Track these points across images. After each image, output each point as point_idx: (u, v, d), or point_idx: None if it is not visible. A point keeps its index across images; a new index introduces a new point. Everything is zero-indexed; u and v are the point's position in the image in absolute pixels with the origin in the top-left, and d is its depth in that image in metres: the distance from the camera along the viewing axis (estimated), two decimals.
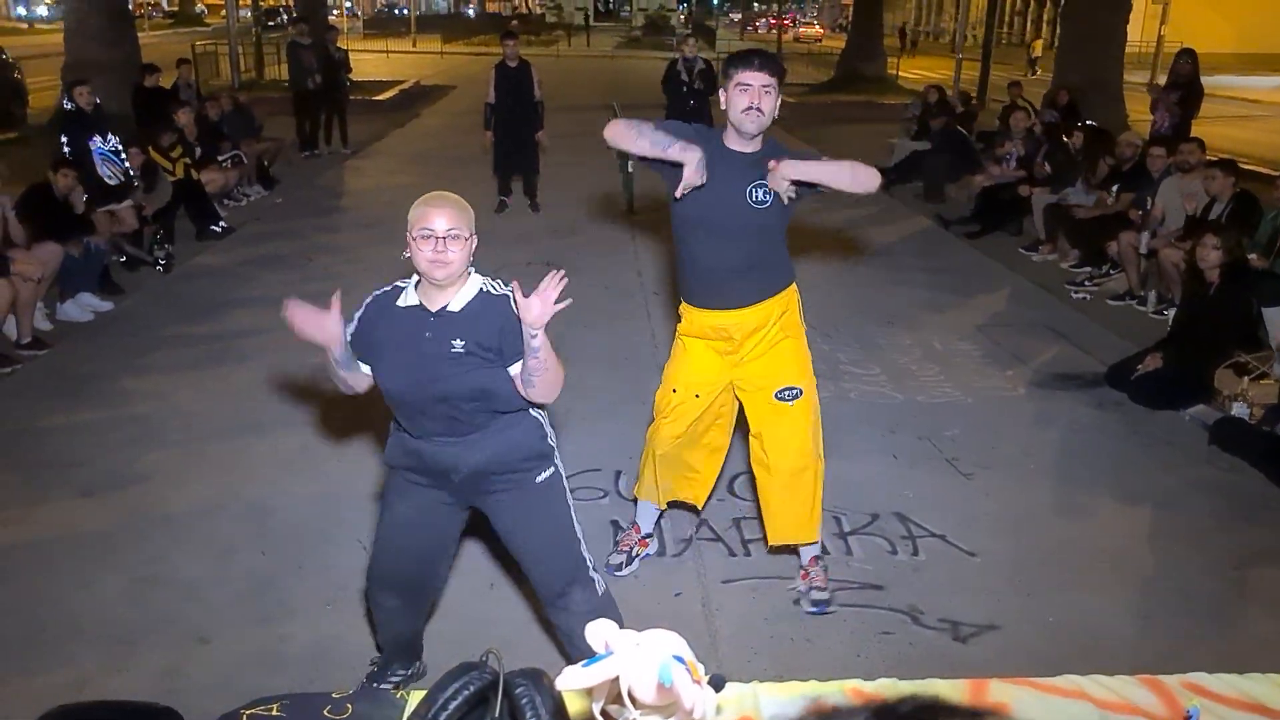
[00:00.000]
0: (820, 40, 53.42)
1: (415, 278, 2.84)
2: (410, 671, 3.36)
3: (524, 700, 1.41)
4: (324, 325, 2.74)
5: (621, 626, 1.31)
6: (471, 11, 73.23)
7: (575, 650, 3.09)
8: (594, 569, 3.12)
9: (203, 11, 57.90)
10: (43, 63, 19.86)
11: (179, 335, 6.85)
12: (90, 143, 7.64)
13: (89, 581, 3.96)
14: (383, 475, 4.78)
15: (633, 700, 1.27)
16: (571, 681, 1.28)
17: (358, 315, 2.88)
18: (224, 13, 20.52)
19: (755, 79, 3.45)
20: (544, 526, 3.02)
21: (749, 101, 3.45)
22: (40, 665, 3.47)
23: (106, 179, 7.69)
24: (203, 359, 6.42)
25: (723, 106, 3.55)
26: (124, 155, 8.01)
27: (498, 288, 2.83)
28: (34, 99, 16.76)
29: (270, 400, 5.81)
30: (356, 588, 3.96)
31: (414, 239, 2.74)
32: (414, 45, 41.20)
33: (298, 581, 4.02)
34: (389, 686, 3.24)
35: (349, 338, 2.83)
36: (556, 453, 3.03)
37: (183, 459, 5.05)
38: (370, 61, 28.72)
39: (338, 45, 14.76)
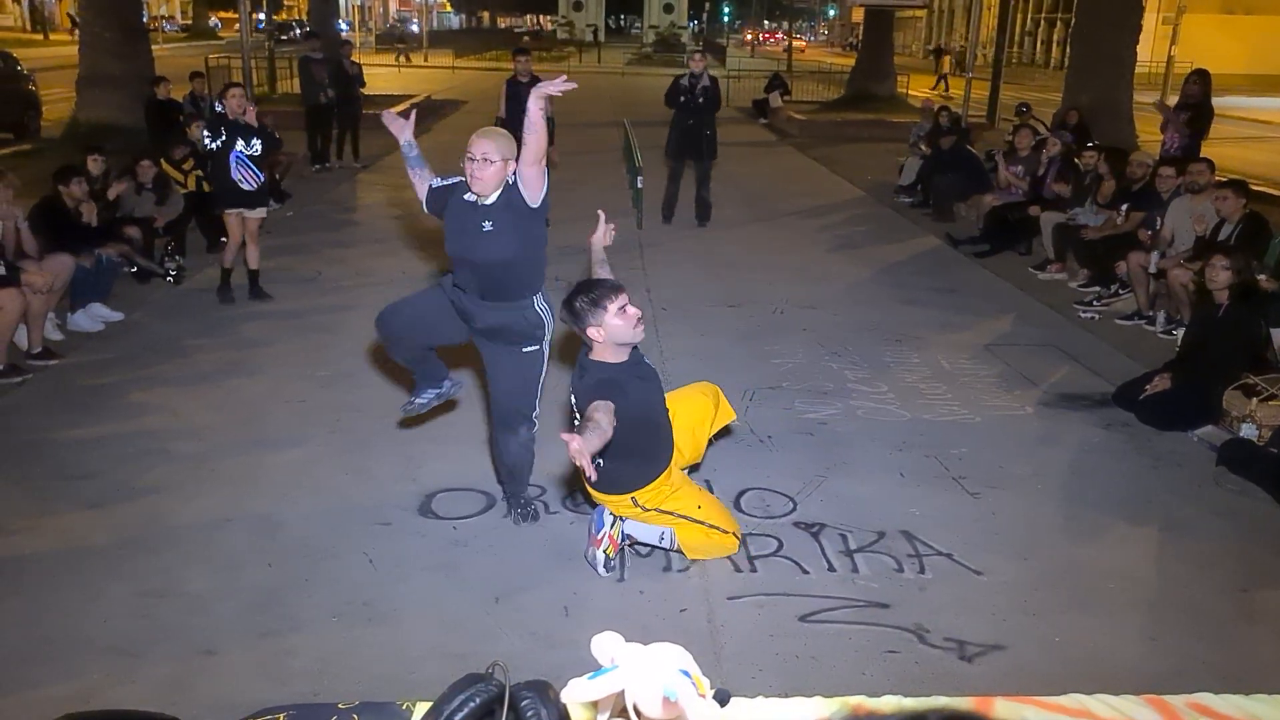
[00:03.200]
0: (803, 52, 54.85)
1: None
2: (443, 389, 4.67)
3: (529, 713, 1.42)
4: (400, 128, 4.38)
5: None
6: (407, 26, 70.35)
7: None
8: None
9: (216, 25, 58.28)
10: (57, 75, 20.02)
11: (189, 347, 6.87)
12: (231, 146, 7.57)
13: (96, 593, 3.97)
14: (389, 494, 4.82)
15: (638, 714, 1.28)
16: (576, 694, 1.28)
17: (440, 182, 4.38)
18: (237, 26, 20.64)
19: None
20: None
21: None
22: (46, 676, 3.47)
23: (239, 183, 7.60)
24: (212, 372, 6.44)
25: (600, 339, 3.90)
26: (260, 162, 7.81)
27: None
28: (48, 111, 16.88)
29: (279, 414, 5.82)
30: (363, 601, 3.97)
31: (464, 161, 4.13)
32: (425, 60, 41.43)
33: (304, 595, 4.02)
34: (424, 401, 4.64)
35: (432, 183, 4.38)
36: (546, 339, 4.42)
37: (190, 472, 5.07)
38: (382, 76, 28.87)
39: (352, 60, 14.83)
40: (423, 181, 4.41)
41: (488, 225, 4.16)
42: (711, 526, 4.25)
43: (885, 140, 18.56)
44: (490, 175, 4.11)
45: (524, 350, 4.35)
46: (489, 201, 4.18)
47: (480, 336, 4.41)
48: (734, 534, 4.33)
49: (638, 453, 4.09)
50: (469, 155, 4.09)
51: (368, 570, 4.21)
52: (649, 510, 4.15)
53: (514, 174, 4.17)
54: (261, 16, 32.23)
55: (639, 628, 3.75)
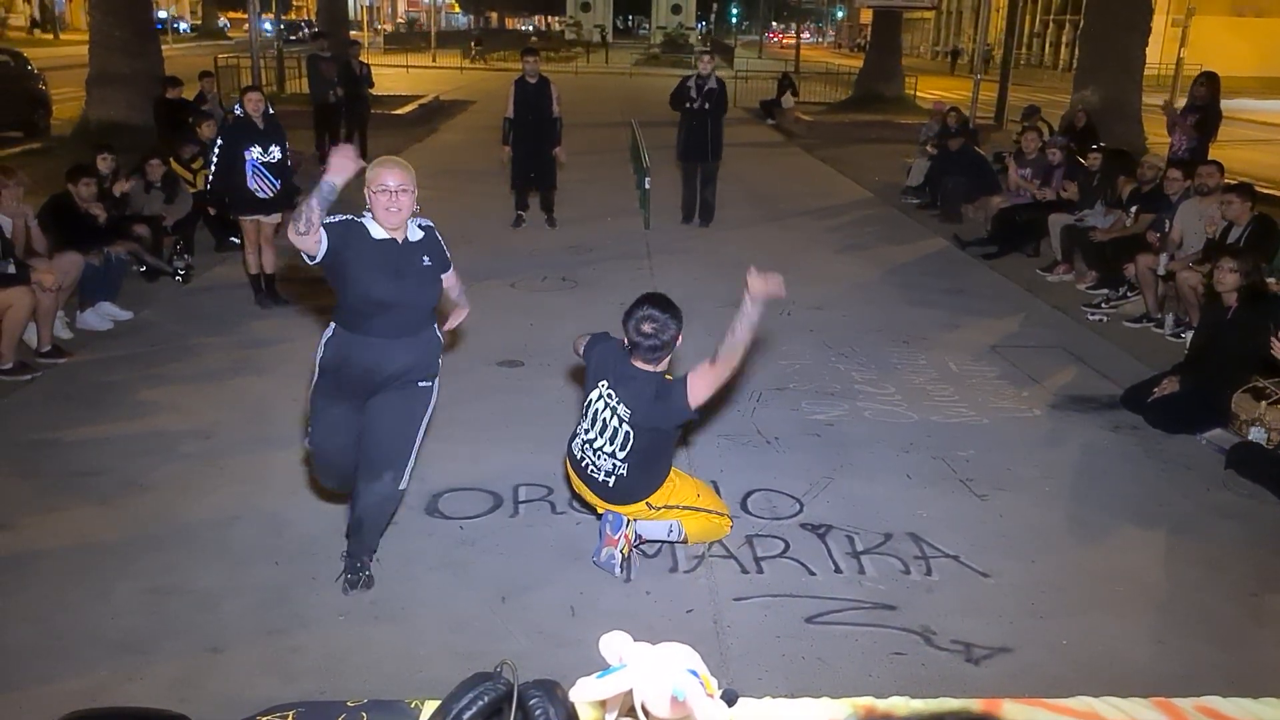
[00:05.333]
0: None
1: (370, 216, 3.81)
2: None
3: (538, 711, 1.42)
4: (347, 168, 3.62)
5: None
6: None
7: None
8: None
9: (225, 25, 58.44)
10: (66, 74, 20.06)
11: (197, 346, 6.89)
12: (246, 152, 7.37)
13: (104, 590, 3.98)
14: None
15: (646, 713, 1.28)
16: (585, 693, 1.29)
17: (329, 226, 3.68)
18: (246, 26, 20.71)
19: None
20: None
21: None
22: (55, 673, 3.48)
23: (255, 192, 7.45)
24: (220, 370, 6.45)
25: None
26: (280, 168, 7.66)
27: (423, 224, 3.97)
28: (57, 110, 16.94)
29: (286, 412, 5.82)
30: (370, 600, 3.98)
31: (373, 193, 3.76)
32: (434, 60, 41.49)
33: (311, 593, 4.02)
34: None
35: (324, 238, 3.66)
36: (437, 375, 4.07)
37: (198, 470, 5.08)
38: (391, 76, 28.90)
39: (360, 59, 14.84)
40: (316, 229, 3.66)
41: (426, 260, 3.92)
42: (711, 512, 4.39)
43: (893, 141, 18.54)
44: (408, 205, 3.81)
45: (419, 385, 4.00)
46: (414, 238, 3.91)
47: (379, 387, 3.95)
48: (727, 515, 4.50)
49: (664, 463, 4.24)
50: (383, 186, 3.74)
51: (375, 569, 4.21)
52: (659, 509, 4.20)
53: (419, 213, 3.94)
54: (270, 21, 32.23)
55: (645, 628, 3.73)
